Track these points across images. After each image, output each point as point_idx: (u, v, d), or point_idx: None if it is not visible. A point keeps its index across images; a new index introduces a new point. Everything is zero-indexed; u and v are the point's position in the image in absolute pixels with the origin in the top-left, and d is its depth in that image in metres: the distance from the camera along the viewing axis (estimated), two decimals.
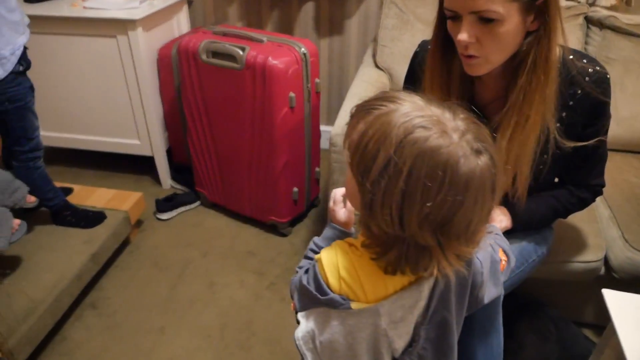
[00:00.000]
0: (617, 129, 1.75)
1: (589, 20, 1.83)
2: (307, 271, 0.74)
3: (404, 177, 0.56)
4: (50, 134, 2.25)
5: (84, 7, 1.97)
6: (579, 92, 1.01)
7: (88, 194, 1.97)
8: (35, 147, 1.64)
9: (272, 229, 2.04)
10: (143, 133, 2.18)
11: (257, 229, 2.07)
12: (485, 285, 0.78)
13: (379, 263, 0.66)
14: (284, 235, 2.02)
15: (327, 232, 0.86)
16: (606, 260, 1.43)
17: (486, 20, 0.87)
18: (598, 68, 1.03)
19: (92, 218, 1.81)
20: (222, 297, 1.75)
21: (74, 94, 2.15)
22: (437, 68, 1.04)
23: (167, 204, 2.12)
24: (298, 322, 0.77)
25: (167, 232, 2.06)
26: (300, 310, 0.75)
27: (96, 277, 1.79)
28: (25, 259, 1.63)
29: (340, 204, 0.88)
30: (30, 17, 1.62)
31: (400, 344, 0.73)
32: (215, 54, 1.76)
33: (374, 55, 2.00)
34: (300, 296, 0.74)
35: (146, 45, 2.00)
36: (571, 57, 1.02)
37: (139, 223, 2.08)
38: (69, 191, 1.96)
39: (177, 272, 1.86)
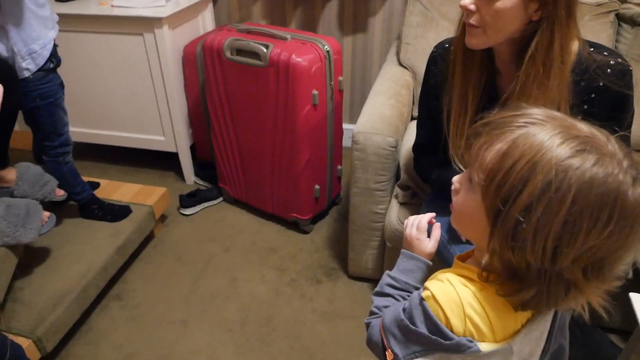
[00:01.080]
0: None
1: (621, 18, 1.79)
2: (405, 310, 0.65)
3: (568, 206, 0.50)
4: (78, 130, 2.31)
5: (112, 6, 2.01)
6: (601, 84, 1.00)
7: (114, 189, 2.01)
8: (65, 143, 1.69)
9: (294, 226, 2.05)
10: (168, 130, 2.22)
11: (279, 226, 2.08)
12: None
13: (510, 300, 0.59)
14: (305, 232, 2.03)
15: (406, 264, 0.80)
16: (634, 264, 1.40)
17: None
18: (620, 60, 1.01)
19: (118, 212, 1.85)
20: (243, 292, 1.77)
21: (102, 91, 2.20)
22: (459, 56, 1.06)
23: (190, 199, 2.15)
24: None
25: (190, 227, 2.10)
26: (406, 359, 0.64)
27: (121, 269, 1.83)
28: (53, 251, 1.67)
29: (425, 232, 0.82)
30: (60, 15, 1.66)
31: None
32: (240, 51, 1.78)
33: (397, 53, 1.99)
34: (407, 343, 0.64)
35: (172, 43, 2.03)
36: (591, 49, 1.01)
37: (163, 218, 2.12)
38: (96, 185, 2.01)
39: (200, 267, 1.88)
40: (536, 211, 0.51)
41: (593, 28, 1.76)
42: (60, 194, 1.76)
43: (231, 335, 1.61)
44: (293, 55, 1.66)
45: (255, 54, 1.73)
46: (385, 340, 0.67)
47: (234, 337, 1.60)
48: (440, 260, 1.23)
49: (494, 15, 0.92)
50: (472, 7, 0.93)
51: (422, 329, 0.61)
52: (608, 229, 0.50)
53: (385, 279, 0.80)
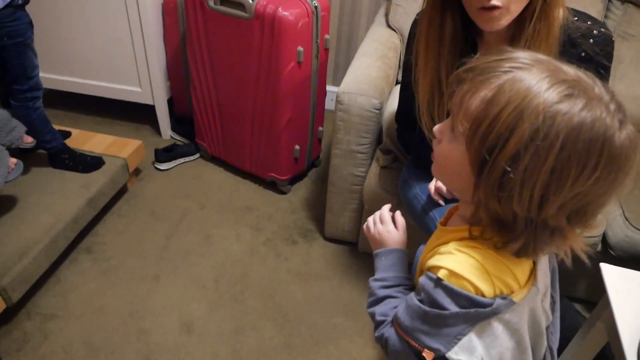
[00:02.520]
0: (630, 107, 1.71)
1: None
2: (422, 301, 0.61)
3: (556, 153, 0.48)
4: (49, 76, 2.20)
5: None
6: (583, 54, 1.00)
7: (86, 139, 1.94)
8: (35, 87, 1.60)
9: (272, 185, 2.02)
10: (145, 81, 2.13)
11: (256, 185, 2.05)
12: None
13: (504, 252, 0.58)
14: (283, 192, 2.01)
15: (387, 260, 0.77)
16: (604, 238, 1.43)
17: None
18: (603, 30, 1.01)
19: (90, 163, 1.78)
20: (217, 249, 1.75)
21: (75, 36, 2.09)
22: (433, 30, 1.01)
23: (166, 154, 2.10)
24: None
25: (165, 182, 2.05)
26: (450, 348, 0.58)
27: (92, 222, 1.78)
28: (21, 200, 1.61)
29: (391, 223, 0.80)
30: None
31: (550, 314, 0.68)
32: (224, 1, 1.69)
33: (386, 15, 1.94)
34: (443, 330, 0.59)
35: None
36: (575, 18, 1.00)
37: (137, 172, 2.06)
38: (67, 135, 1.93)
39: (174, 222, 1.85)
40: (523, 160, 0.49)
41: (583, 2, 1.74)
42: (29, 140, 1.69)
43: (204, 291, 1.60)
44: (280, 9, 1.59)
45: (240, 5, 1.66)
46: (414, 343, 0.61)
47: (207, 294, 1.59)
48: (423, 229, 1.22)
49: None
50: None
51: (451, 308, 0.57)
52: (595, 174, 0.50)
53: (373, 285, 0.75)
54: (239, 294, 1.60)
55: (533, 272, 0.62)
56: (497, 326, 0.58)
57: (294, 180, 2.04)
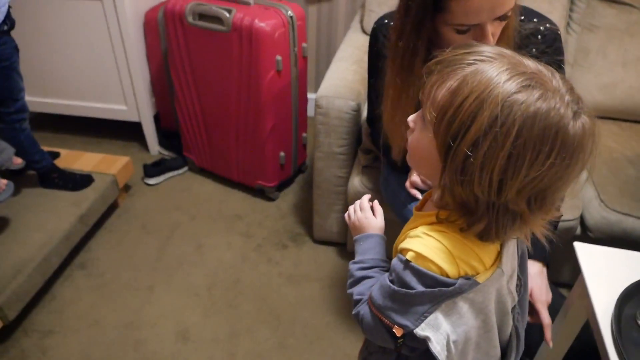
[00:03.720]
0: (597, 95, 1.79)
1: None
2: (392, 281, 0.64)
3: (512, 139, 0.52)
4: (35, 99, 2.23)
5: None
6: (534, 50, 1.03)
7: (75, 158, 1.97)
8: (21, 109, 1.64)
9: (260, 193, 2.06)
10: (130, 98, 2.17)
11: (245, 194, 2.09)
12: None
13: (468, 234, 0.61)
14: (271, 199, 2.05)
15: (365, 244, 0.81)
16: (582, 221, 1.48)
17: (504, 18, 0.88)
18: (549, 25, 1.04)
19: (79, 181, 1.81)
20: (209, 258, 1.78)
21: (59, 58, 2.13)
22: (399, 60, 0.99)
23: (155, 169, 2.13)
24: (396, 346, 0.66)
25: (155, 196, 2.08)
26: (418, 325, 0.62)
27: (85, 238, 1.81)
28: (13, 220, 1.64)
29: (370, 211, 0.85)
30: None
31: (516, 294, 0.71)
32: (202, 16, 1.75)
33: (361, 21, 2.00)
34: (411, 308, 0.62)
35: (132, 9, 1.97)
36: (522, 18, 1.02)
37: (127, 188, 2.09)
38: (56, 155, 1.96)
39: (166, 235, 1.88)
40: (483, 145, 0.53)
41: None
42: (18, 162, 1.72)
43: (198, 299, 1.63)
44: (256, 20, 1.65)
45: (217, 19, 1.71)
46: (385, 320, 0.65)
47: (201, 301, 1.62)
48: (402, 221, 1.27)
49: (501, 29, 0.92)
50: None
51: (420, 288, 0.61)
52: (549, 160, 0.53)
53: (352, 267, 0.79)
54: (233, 300, 1.63)
55: (499, 255, 0.66)
56: (462, 305, 0.62)
57: (281, 186, 2.08)
